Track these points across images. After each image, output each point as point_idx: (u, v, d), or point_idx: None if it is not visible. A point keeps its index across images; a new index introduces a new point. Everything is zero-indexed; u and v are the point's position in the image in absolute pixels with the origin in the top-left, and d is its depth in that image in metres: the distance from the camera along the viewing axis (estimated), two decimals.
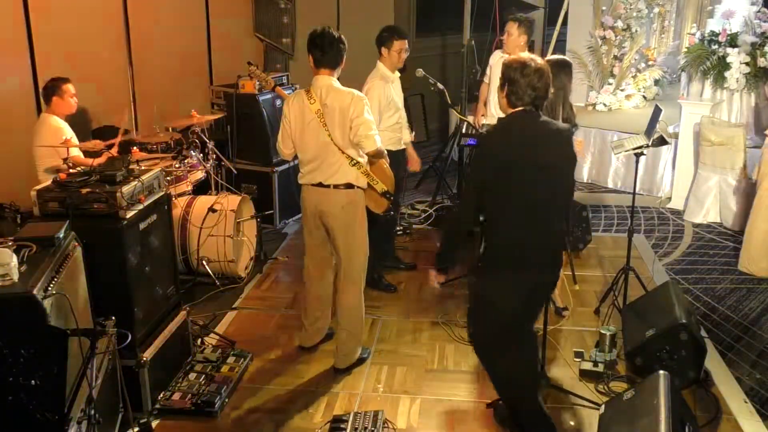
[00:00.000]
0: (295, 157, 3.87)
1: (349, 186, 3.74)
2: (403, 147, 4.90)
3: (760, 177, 5.24)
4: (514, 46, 5.10)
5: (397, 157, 4.69)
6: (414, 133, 5.22)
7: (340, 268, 3.91)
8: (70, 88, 4.65)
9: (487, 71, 5.70)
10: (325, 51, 3.67)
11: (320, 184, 3.76)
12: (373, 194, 3.87)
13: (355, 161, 3.72)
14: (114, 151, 4.76)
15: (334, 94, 3.66)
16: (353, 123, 3.63)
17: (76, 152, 4.56)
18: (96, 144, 4.81)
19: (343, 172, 3.72)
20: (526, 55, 2.99)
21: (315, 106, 3.65)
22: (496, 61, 5.47)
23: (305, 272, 4.09)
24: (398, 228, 5.91)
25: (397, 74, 4.76)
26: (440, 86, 5.43)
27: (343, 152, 3.68)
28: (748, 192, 6.01)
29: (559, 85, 4.00)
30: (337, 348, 3.98)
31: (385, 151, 3.90)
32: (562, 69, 4.14)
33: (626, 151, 4.48)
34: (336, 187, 3.73)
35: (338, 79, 3.75)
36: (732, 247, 5.68)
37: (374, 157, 3.78)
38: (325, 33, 3.67)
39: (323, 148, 3.69)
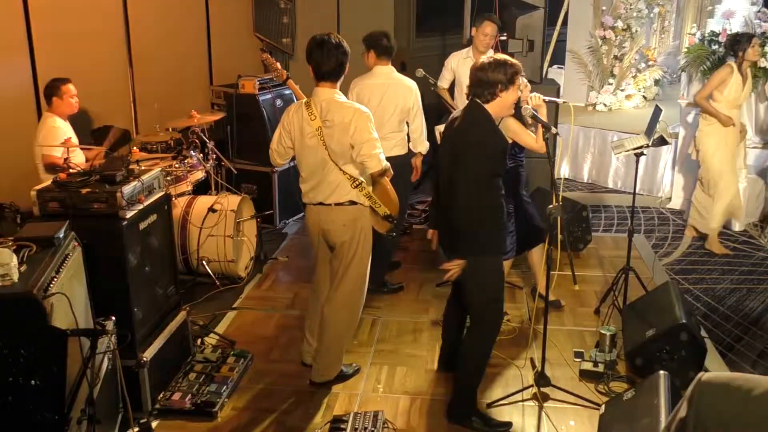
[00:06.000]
0: (295, 157, 3.73)
1: (352, 203, 3.58)
2: (405, 152, 4.77)
3: (700, 158, 5.63)
4: (490, 44, 5.18)
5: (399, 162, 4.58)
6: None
7: (334, 282, 3.73)
8: (70, 88, 4.66)
9: (446, 74, 5.49)
10: (324, 63, 3.44)
11: (321, 203, 3.61)
12: (376, 215, 3.70)
13: (357, 182, 3.54)
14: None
15: (335, 110, 3.45)
16: (355, 141, 3.42)
17: (77, 153, 4.56)
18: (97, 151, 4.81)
19: (342, 190, 3.55)
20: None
21: (316, 123, 3.45)
22: (464, 60, 5.36)
23: (315, 288, 3.94)
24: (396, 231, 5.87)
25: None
26: (440, 86, 5.42)
27: (343, 171, 3.51)
28: (747, 192, 6.02)
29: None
30: (314, 360, 3.85)
31: (389, 167, 3.66)
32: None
33: (626, 151, 4.48)
34: (338, 204, 3.57)
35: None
36: (732, 247, 5.68)
37: (380, 176, 3.57)
38: (323, 43, 3.43)
39: (322, 166, 3.52)
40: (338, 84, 3.55)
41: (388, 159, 3.82)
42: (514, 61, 3.23)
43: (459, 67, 5.43)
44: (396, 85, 4.58)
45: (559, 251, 3.83)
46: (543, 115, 3.98)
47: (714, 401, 1.68)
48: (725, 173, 5.52)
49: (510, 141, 4.09)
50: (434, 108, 7.55)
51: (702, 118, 5.56)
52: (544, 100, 4.00)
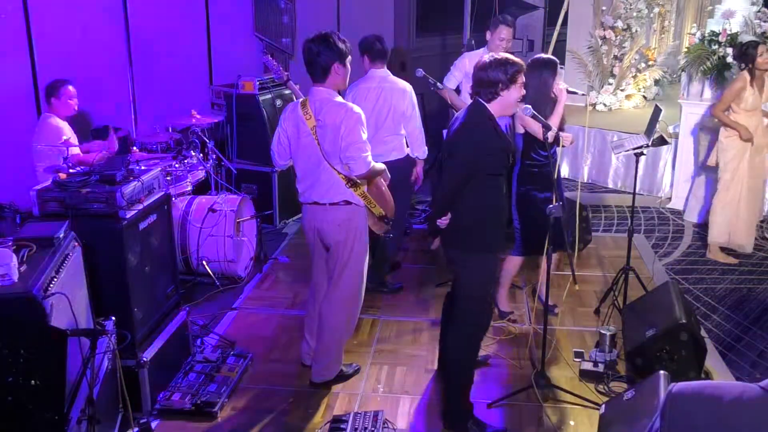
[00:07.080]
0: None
1: (346, 202, 3.57)
2: (404, 156, 4.73)
3: (721, 168, 5.40)
4: (507, 48, 5.04)
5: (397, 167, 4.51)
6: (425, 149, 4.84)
7: (331, 282, 3.73)
8: (69, 89, 4.65)
9: (456, 74, 5.38)
10: (307, 66, 3.49)
11: (316, 203, 3.62)
12: (372, 216, 3.72)
13: (352, 182, 3.53)
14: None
15: (327, 109, 3.45)
16: (343, 142, 3.42)
17: (75, 152, 4.57)
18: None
19: (337, 190, 3.54)
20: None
21: (310, 122, 3.47)
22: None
23: (313, 288, 3.92)
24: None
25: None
26: (440, 86, 5.40)
27: (337, 171, 3.51)
28: None
29: (541, 82, 4.08)
30: (313, 361, 3.85)
31: (385, 169, 3.72)
32: (545, 67, 4.15)
33: (626, 151, 4.49)
34: (332, 204, 3.57)
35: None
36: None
37: (367, 178, 3.59)
38: (307, 47, 3.45)
39: (317, 166, 3.52)
40: (329, 84, 3.52)
41: (387, 163, 3.84)
42: (515, 59, 3.22)
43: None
44: (390, 89, 4.56)
45: (577, 250, 3.82)
46: (562, 102, 4.05)
47: (686, 411, 1.68)
48: (732, 188, 5.35)
49: (522, 131, 4.11)
50: (436, 111, 7.50)
51: (723, 128, 5.39)
52: (568, 90, 4.12)
